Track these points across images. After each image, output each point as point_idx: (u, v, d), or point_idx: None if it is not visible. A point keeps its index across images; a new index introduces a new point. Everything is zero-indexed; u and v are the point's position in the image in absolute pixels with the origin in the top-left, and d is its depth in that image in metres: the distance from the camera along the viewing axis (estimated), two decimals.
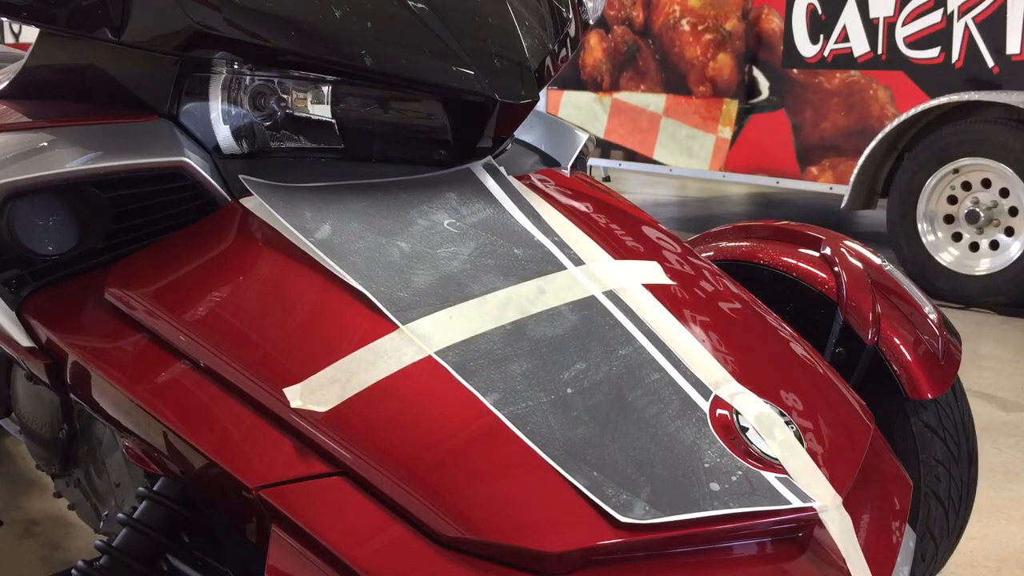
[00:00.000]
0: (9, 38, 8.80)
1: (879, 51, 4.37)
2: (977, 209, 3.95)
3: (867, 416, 1.13)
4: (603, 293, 1.05)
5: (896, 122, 4.20)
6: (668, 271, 1.16)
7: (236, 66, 1.11)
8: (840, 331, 1.33)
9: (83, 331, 1.03)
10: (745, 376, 1.00)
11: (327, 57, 1.07)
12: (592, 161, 5.29)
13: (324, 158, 1.16)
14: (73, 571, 0.96)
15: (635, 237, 1.22)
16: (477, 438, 0.86)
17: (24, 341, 1.07)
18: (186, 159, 1.06)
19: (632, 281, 1.09)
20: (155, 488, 0.99)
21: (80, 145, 1.03)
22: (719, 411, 0.94)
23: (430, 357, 0.92)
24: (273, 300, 0.99)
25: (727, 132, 5.01)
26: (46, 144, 1.03)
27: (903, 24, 4.28)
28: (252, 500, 0.84)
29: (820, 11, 4.55)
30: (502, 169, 1.23)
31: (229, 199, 1.09)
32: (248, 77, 1.12)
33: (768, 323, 1.20)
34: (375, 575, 0.78)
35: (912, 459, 1.32)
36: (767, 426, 0.94)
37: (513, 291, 1.01)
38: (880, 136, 4.27)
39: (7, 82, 1.25)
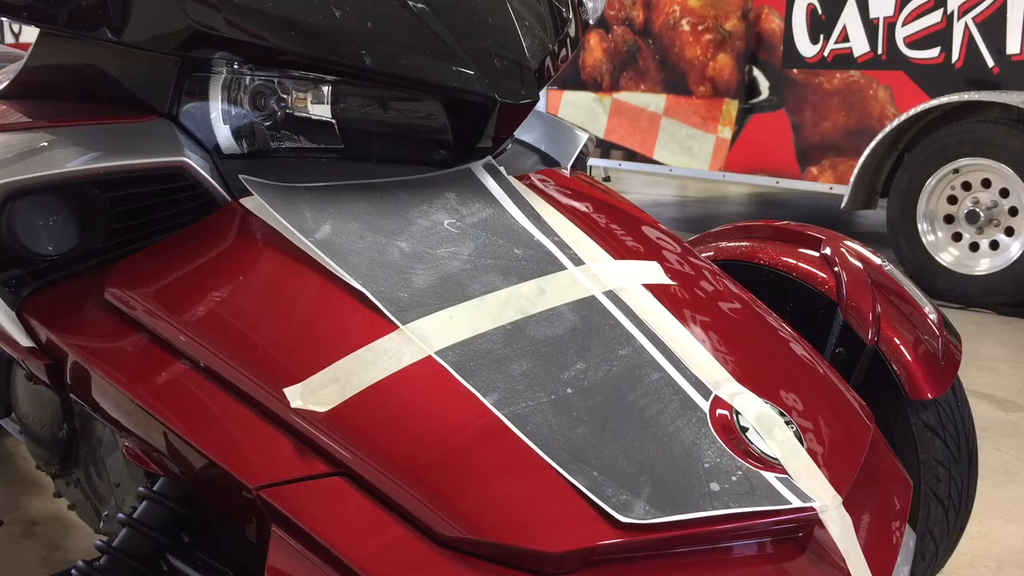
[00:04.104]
0: (9, 38, 8.80)
1: (879, 51, 4.37)
2: (977, 209, 3.95)
3: (867, 416, 1.13)
4: (603, 293, 1.05)
5: (896, 122, 4.20)
6: (668, 271, 1.16)
7: (236, 66, 1.11)
8: (840, 331, 1.33)
9: (83, 331, 1.03)
10: (745, 376, 1.00)
11: (327, 57, 1.07)
12: (592, 161, 5.29)
13: (324, 158, 1.16)
14: (73, 571, 0.96)
15: (635, 237, 1.22)
16: (477, 438, 0.86)
17: (24, 341, 1.07)
18: (186, 159, 1.06)
19: (632, 281, 1.09)
20: (155, 488, 0.99)
21: (80, 145, 1.03)
22: (719, 411, 0.94)
23: (430, 357, 0.92)
24: (273, 300, 0.99)
25: (727, 132, 5.02)
26: (46, 144, 1.03)
27: (903, 24, 4.28)
28: (252, 500, 0.84)
29: (820, 11, 4.55)
30: (502, 169, 1.23)
31: (229, 199, 1.09)
32: (248, 77, 1.12)
33: (768, 323, 1.20)
34: (375, 575, 0.78)
35: (912, 459, 1.32)
36: (767, 426, 0.94)
37: (513, 291, 1.01)
38: (880, 136, 4.27)
39: (7, 82, 1.25)
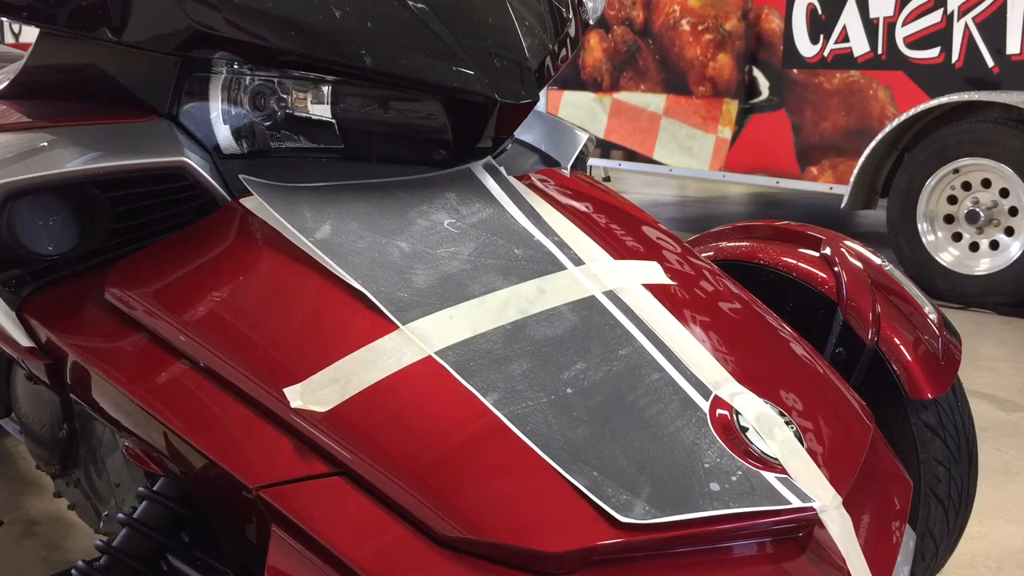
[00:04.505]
0: (9, 38, 8.80)
1: (879, 51, 4.37)
2: (977, 209, 3.95)
3: (867, 416, 1.13)
4: (603, 293, 1.05)
5: (896, 122, 4.20)
6: (668, 271, 1.16)
7: (236, 66, 1.11)
8: (840, 331, 1.33)
9: (83, 331, 1.03)
10: (745, 376, 1.00)
11: (327, 57, 1.07)
12: (592, 161, 5.29)
13: (324, 158, 1.16)
14: (73, 571, 0.96)
15: (635, 237, 1.22)
16: (477, 438, 0.86)
17: (24, 341, 1.07)
18: (186, 159, 1.06)
19: (632, 281, 1.09)
20: (155, 488, 0.99)
21: (80, 145, 1.03)
22: (719, 411, 0.94)
23: (430, 357, 0.92)
24: (273, 300, 0.99)
25: (727, 132, 5.01)
26: (46, 144, 1.03)
27: (903, 24, 4.27)
28: (252, 500, 0.84)
29: (820, 11, 4.55)
30: (502, 169, 1.23)
31: (229, 199, 1.09)
32: (248, 77, 1.12)
33: (768, 323, 1.20)
34: (375, 575, 0.78)
35: (912, 459, 1.32)
36: (767, 426, 0.94)
37: (513, 291, 1.01)
38: (880, 136, 4.27)
39: (7, 82, 1.25)
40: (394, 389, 0.89)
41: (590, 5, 1.56)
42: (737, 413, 0.94)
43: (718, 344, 1.05)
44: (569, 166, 1.47)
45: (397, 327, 0.94)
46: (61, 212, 1.05)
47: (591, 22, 1.58)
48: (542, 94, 1.32)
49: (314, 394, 0.88)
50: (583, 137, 1.58)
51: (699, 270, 1.22)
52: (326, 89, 1.14)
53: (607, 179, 7.10)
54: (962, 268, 4.02)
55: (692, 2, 5.07)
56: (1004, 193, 3.92)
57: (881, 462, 1.13)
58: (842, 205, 4.46)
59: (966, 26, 4.08)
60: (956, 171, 4.02)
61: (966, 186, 4.03)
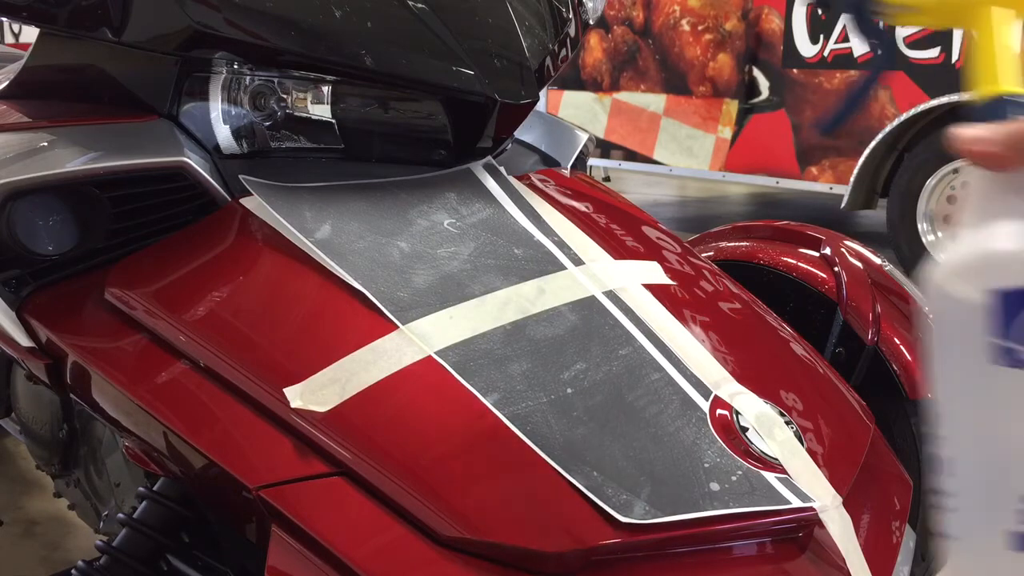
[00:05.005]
0: (9, 38, 8.80)
1: (879, 51, 4.37)
2: None
3: (867, 416, 1.13)
4: (603, 293, 1.05)
5: (896, 122, 4.21)
6: (668, 271, 1.16)
7: (236, 66, 1.11)
8: (840, 331, 1.33)
9: (83, 331, 1.03)
10: (745, 376, 1.00)
11: (327, 57, 1.07)
12: (592, 161, 5.28)
13: (324, 158, 1.16)
14: (73, 571, 0.96)
15: (635, 237, 1.22)
16: (477, 438, 0.86)
17: (24, 341, 1.07)
18: (186, 159, 1.06)
19: (632, 281, 1.09)
20: (155, 488, 0.99)
21: (80, 145, 1.03)
22: (719, 411, 0.94)
23: (430, 357, 0.92)
24: (273, 300, 0.99)
25: (727, 132, 5.02)
26: (46, 144, 1.03)
27: None
28: (252, 500, 0.84)
29: (820, 11, 4.55)
30: (502, 169, 1.23)
31: (229, 199, 1.09)
32: (248, 77, 1.12)
33: (768, 323, 1.20)
34: (375, 575, 0.78)
35: (912, 459, 1.32)
36: (767, 426, 0.94)
37: (513, 291, 1.01)
38: (880, 136, 4.28)
39: (7, 82, 1.25)
40: (394, 389, 0.89)
41: (590, 5, 1.56)
42: (737, 413, 0.94)
43: (718, 344, 1.05)
44: (569, 166, 1.48)
45: (397, 327, 0.94)
46: (61, 212, 1.05)
47: (591, 22, 1.58)
48: (542, 94, 1.32)
49: (314, 394, 0.88)
50: (583, 137, 1.58)
51: (699, 270, 1.22)
52: (326, 89, 1.14)
53: (607, 179, 7.10)
54: None
55: (692, 2, 5.07)
56: None
57: (881, 462, 1.13)
58: (842, 205, 4.46)
59: None
60: (956, 171, 4.02)
61: (966, 186, 4.03)
